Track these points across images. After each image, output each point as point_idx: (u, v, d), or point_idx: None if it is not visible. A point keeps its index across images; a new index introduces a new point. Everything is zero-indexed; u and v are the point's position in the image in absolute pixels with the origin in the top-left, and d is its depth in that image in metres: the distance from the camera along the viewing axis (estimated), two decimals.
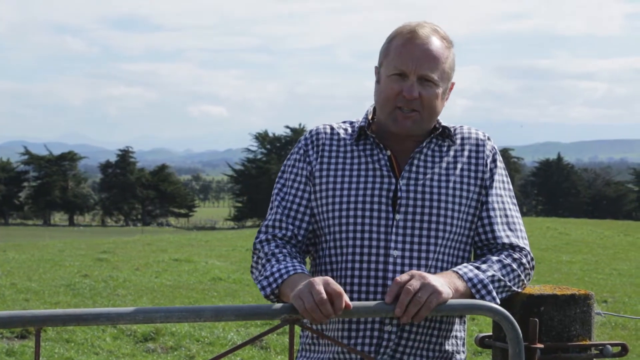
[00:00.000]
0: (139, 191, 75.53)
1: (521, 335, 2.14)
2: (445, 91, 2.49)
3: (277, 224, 2.48)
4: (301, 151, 2.54)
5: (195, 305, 2.08)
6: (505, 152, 79.86)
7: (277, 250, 2.42)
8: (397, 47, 2.45)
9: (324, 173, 2.49)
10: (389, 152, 2.48)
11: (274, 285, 2.33)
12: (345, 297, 2.11)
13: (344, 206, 2.43)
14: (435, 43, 2.45)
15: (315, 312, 2.09)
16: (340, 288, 2.12)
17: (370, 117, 2.56)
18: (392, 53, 2.45)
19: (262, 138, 73.86)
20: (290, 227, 2.47)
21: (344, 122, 2.60)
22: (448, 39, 2.50)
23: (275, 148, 73.07)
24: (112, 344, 8.34)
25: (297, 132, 72.56)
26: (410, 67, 2.41)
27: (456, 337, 2.49)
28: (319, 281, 2.13)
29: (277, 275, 2.33)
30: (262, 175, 68.62)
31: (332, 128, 2.56)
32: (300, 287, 2.15)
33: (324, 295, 2.09)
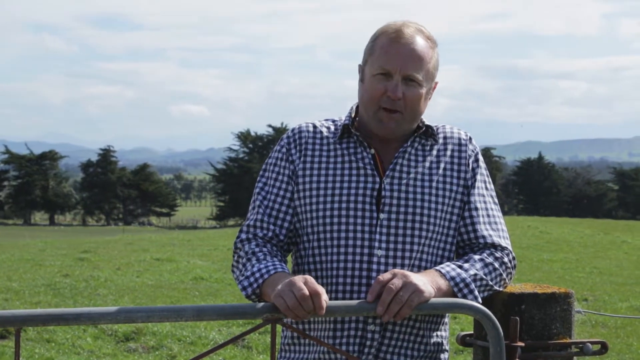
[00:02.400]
0: (120, 190, 75.22)
1: (502, 333, 2.15)
2: (428, 91, 2.49)
3: (258, 223, 2.47)
4: (283, 149, 2.53)
5: (176, 305, 2.08)
6: (486, 152, 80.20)
7: (257, 249, 2.41)
8: (382, 47, 2.44)
9: (307, 172, 2.48)
10: (372, 151, 2.48)
11: (255, 286, 2.32)
12: (324, 297, 2.11)
13: (328, 205, 2.43)
14: (420, 43, 2.45)
15: (298, 309, 2.09)
16: (318, 287, 2.11)
17: (353, 115, 2.55)
18: (377, 52, 2.45)
19: (244, 137, 73.77)
20: (272, 227, 2.46)
21: (327, 120, 2.59)
22: (432, 39, 2.50)
23: (258, 147, 73.00)
24: (93, 343, 8.31)
25: (279, 132, 72.52)
26: (395, 67, 2.41)
27: (439, 336, 2.50)
28: (299, 279, 2.13)
29: (257, 275, 2.32)
30: (245, 175, 68.54)
31: (314, 126, 2.55)
32: (280, 287, 2.14)
33: (306, 292, 2.08)
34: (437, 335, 2.49)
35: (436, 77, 2.52)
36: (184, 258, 17.17)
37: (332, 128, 2.54)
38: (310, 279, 2.13)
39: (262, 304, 2.13)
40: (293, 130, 2.56)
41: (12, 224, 69.83)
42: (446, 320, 2.54)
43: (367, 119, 2.48)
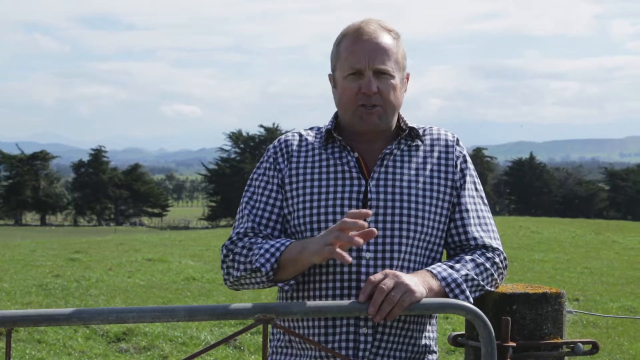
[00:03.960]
0: (111, 191, 75.12)
1: (493, 333, 2.15)
2: (402, 81, 2.50)
3: (249, 231, 2.45)
4: (270, 159, 2.53)
5: (168, 305, 2.07)
6: (478, 152, 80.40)
7: (254, 240, 2.40)
8: (347, 48, 2.46)
9: (294, 179, 2.48)
10: (356, 154, 2.48)
11: (272, 260, 2.30)
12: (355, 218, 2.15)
13: (315, 210, 2.43)
14: (384, 36, 2.47)
15: (355, 220, 2.12)
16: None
17: (336, 120, 2.56)
18: (344, 54, 2.46)
19: (236, 137, 73.75)
20: (262, 233, 2.45)
21: (311, 128, 2.61)
22: (395, 31, 2.51)
23: (249, 147, 73.00)
24: (85, 344, 8.29)
25: (271, 132, 72.54)
26: (364, 63, 2.42)
27: (428, 337, 2.50)
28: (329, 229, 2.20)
29: (272, 250, 2.31)
30: (236, 175, 68.53)
31: (300, 135, 2.57)
32: (316, 240, 2.22)
33: (345, 218, 2.14)
34: (426, 337, 2.49)
35: (406, 67, 2.53)
36: (176, 258, 17.15)
37: (317, 135, 2.56)
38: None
39: (253, 304, 2.13)
40: (279, 140, 2.57)
41: (3, 225, 69.62)
42: (434, 321, 2.54)
43: (348, 121, 2.49)
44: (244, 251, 2.39)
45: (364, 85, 2.42)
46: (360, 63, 2.42)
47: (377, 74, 2.43)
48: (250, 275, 2.36)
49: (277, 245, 2.32)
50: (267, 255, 2.32)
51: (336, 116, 2.57)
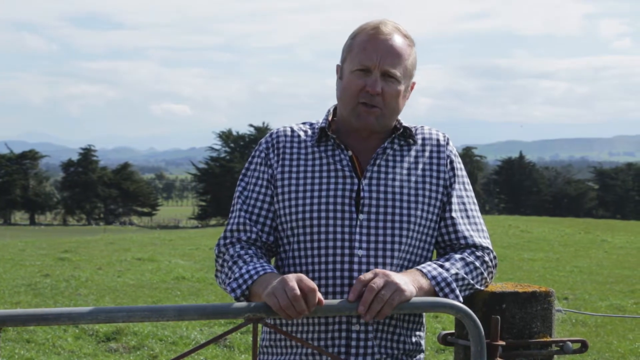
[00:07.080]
0: (101, 190, 74.91)
1: (483, 332, 2.16)
2: (406, 89, 2.50)
3: (241, 227, 2.47)
4: (262, 154, 2.53)
5: (158, 305, 2.07)
6: (468, 151, 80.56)
7: (242, 252, 2.41)
8: (361, 43, 2.45)
9: (286, 176, 2.48)
10: (350, 153, 2.48)
11: (244, 287, 2.31)
12: (318, 294, 2.13)
13: (307, 208, 2.43)
14: (399, 40, 2.46)
15: (289, 309, 2.10)
16: (313, 284, 2.12)
17: (330, 117, 2.56)
18: (356, 49, 2.46)
19: (226, 137, 73.67)
20: (254, 229, 2.46)
21: (304, 123, 2.60)
22: (410, 38, 2.51)
23: (239, 147, 72.92)
24: (74, 343, 8.27)
25: (261, 131, 72.49)
26: (374, 62, 2.42)
27: (418, 335, 2.51)
28: (292, 278, 2.13)
29: (246, 276, 2.32)
30: (226, 174, 68.45)
31: (292, 130, 2.56)
32: (273, 284, 2.15)
33: (298, 292, 2.09)
34: (416, 335, 2.50)
35: (414, 76, 2.53)
36: (166, 258, 17.13)
37: (310, 131, 2.55)
38: (304, 277, 2.14)
39: (244, 303, 2.13)
40: (271, 134, 2.57)
41: None
42: (423, 320, 2.55)
43: (345, 115, 2.49)
44: (229, 263, 2.40)
45: (370, 83, 2.41)
46: (371, 61, 2.42)
47: (385, 76, 2.42)
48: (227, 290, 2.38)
49: (252, 272, 2.31)
50: (240, 281, 2.32)
51: (330, 113, 2.57)
